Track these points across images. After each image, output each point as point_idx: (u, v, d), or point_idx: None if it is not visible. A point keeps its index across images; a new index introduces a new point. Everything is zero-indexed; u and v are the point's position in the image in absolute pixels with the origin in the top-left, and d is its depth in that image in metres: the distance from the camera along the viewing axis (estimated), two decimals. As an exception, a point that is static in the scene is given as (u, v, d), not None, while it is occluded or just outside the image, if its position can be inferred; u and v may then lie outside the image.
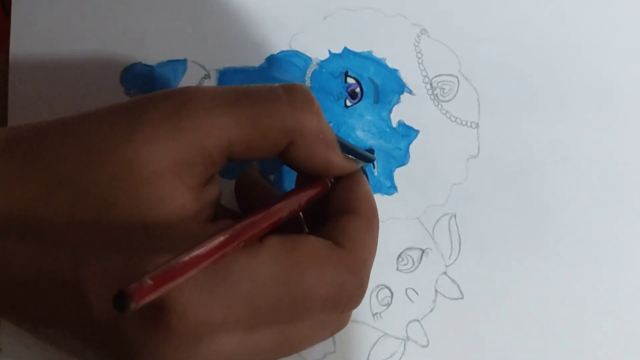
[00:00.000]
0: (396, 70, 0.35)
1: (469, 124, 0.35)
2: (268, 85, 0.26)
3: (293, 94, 0.26)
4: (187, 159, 0.24)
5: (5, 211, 0.23)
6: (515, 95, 0.35)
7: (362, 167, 0.30)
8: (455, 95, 0.35)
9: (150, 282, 0.19)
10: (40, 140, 0.24)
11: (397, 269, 0.33)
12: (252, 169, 0.31)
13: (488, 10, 0.36)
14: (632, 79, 0.36)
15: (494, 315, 0.33)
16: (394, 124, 0.34)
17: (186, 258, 0.20)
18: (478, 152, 0.34)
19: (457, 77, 0.35)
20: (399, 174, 0.34)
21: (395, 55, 0.35)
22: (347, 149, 0.28)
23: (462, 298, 0.33)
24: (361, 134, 0.34)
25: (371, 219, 0.28)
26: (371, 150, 0.33)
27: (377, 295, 0.33)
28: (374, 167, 0.33)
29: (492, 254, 0.34)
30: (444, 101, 0.35)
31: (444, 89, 0.35)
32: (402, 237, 0.34)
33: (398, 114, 0.34)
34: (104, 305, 0.23)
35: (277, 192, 0.31)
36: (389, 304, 0.33)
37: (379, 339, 0.33)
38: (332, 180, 0.28)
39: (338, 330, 0.28)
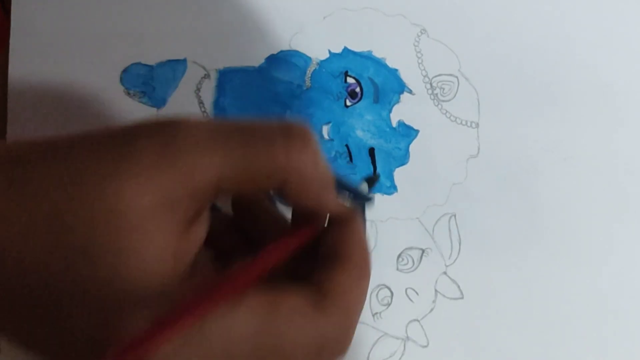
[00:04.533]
0: (396, 70, 0.35)
1: (468, 124, 0.35)
2: (265, 124, 0.25)
3: (289, 134, 0.24)
4: (173, 197, 0.22)
5: None
6: (515, 95, 0.35)
7: (360, 205, 0.29)
8: (455, 95, 0.35)
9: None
10: (24, 169, 0.23)
11: (397, 269, 0.33)
12: None
13: (488, 10, 0.36)
14: (632, 79, 0.36)
15: (493, 315, 0.33)
16: (394, 123, 0.34)
17: (156, 328, 0.20)
18: (478, 152, 0.34)
19: (456, 77, 0.35)
20: (399, 174, 0.34)
21: (395, 55, 0.35)
22: (344, 187, 0.27)
23: (462, 298, 0.33)
24: (361, 134, 0.34)
25: (362, 267, 0.26)
26: (371, 179, 0.32)
27: (377, 295, 0.33)
28: (371, 199, 0.32)
29: (492, 253, 0.34)
30: (443, 101, 0.35)
31: (443, 89, 0.35)
32: (402, 237, 0.34)
33: (398, 114, 0.34)
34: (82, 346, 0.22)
35: (273, 200, 0.31)
36: (388, 304, 0.33)
37: (378, 338, 0.33)
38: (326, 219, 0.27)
39: None
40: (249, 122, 0.24)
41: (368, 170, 0.34)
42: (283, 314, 0.24)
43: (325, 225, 0.27)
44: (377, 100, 0.34)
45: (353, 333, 0.26)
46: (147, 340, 0.19)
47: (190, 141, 0.23)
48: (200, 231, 0.25)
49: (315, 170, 0.25)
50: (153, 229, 0.22)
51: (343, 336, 0.25)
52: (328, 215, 0.27)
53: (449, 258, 0.34)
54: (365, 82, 0.34)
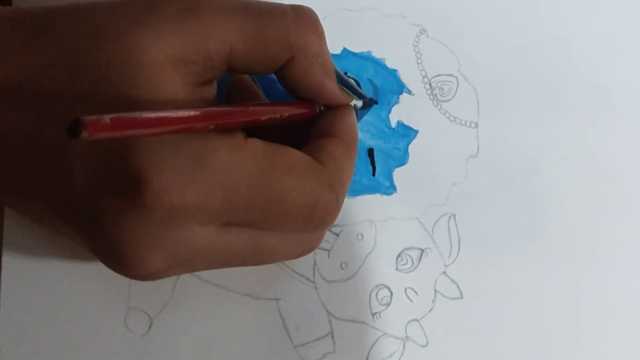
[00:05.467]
0: (395, 71, 0.35)
1: (468, 124, 0.35)
2: (277, 3, 0.27)
3: (300, 13, 0.26)
4: (187, 56, 0.24)
5: (6, 78, 0.24)
6: (515, 95, 0.35)
7: (355, 107, 0.30)
8: (454, 95, 0.35)
9: (107, 120, 0.19)
10: (50, 16, 0.25)
11: (397, 269, 0.33)
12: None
13: (487, 10, 0.36)
14: (631, 79, 0.36)
15: (493, 315, 0.33)
16: (393, 124, 0.34)
17: (152, 114, 0.21)
18: (477, 152, 0.34)
19: (456, 77, 0.35)
20: (398, 174, 0.34)
21: (395, 56, 0.35)
22: (344, 82, 0.28)
23: (462, 298, 0.33)
24: (360, 135, 0.34)
25: (350, 146, 0.28)
26: (371, 101, 0.33)
27: (376, 295, 0.33)
28: (367, 99, 0.32)
29: (492, 253, 0.34)
30: (443, 101, 0.35)
31: (443, 89, 0.35)
32: (401, 237, 0.34)
33: (397, 114, 0.34)
34: (85, 179, 0.23)
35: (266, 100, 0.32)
36: (388, 304, 0.33)
37: (378, 338, 0.33)
38: (322, 108, 0.29)
39: (309, 250, 0.29)
40: (263, 1, 0.26)
41: (367, 170, 0.34)
42: (283, 162, 0.25)
43: (319, 111, 0.29)
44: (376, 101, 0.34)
45: (342, 203, 0.27)
46: (128, 123, 0.20)
47: (208, 9, 0.25)
48: (210, 91, 0.26)
49: (321, 52, 0.27)
50: (168, 72, 0.24)
51: (334, 200, 0.26)
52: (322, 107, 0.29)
53: (449, 258, 0.34)
54: (365, 82, 0.34)
